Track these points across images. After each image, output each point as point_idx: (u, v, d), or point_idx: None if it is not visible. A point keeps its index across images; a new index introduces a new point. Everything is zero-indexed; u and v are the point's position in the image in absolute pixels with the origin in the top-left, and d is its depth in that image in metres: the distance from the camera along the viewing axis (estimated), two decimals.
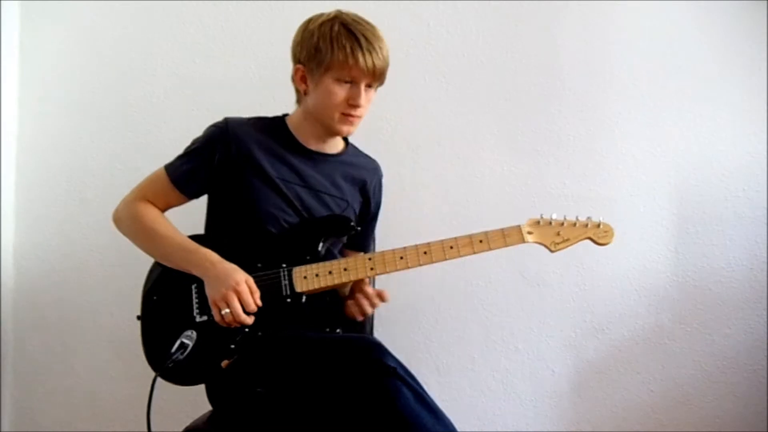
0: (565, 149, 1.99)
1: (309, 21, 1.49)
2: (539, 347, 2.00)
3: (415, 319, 2.01)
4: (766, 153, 1.95)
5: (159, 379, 1.35)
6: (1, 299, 2.05)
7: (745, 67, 1.95)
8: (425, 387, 1.27)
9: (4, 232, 2.05)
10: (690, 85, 1.97)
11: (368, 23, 1.47)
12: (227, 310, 1.35)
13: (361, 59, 1.41)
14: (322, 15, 1.48)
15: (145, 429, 1.32)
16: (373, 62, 1.42)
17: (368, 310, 1.49)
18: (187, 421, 1.50)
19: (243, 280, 1.37)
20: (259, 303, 1.38)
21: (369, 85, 1.48)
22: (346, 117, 1.47)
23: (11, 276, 2.08)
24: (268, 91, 2.00)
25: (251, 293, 1.37)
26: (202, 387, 1.51)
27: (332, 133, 1.53)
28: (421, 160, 2.00)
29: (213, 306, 1.38)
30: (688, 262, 1.97)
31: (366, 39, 1.43)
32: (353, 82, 1.45)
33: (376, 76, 1.46)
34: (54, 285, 2.08)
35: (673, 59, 1.97)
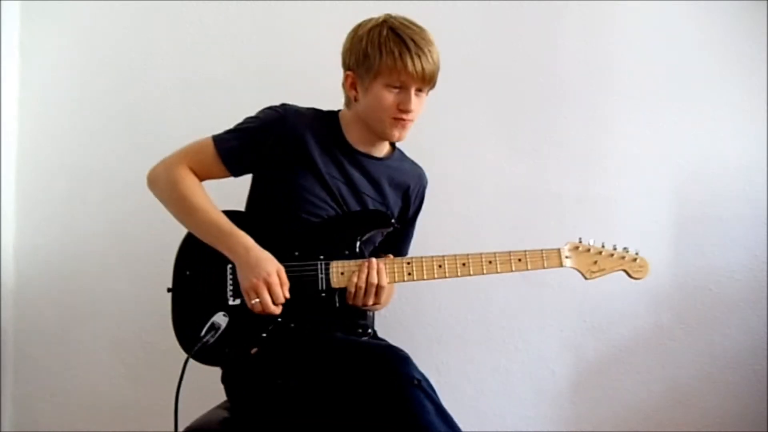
0: (565, 149, 1.99)
1: (358, 27, 1.47)
2: (539, 347, 2.00)
3: (415, 319, 2.01)
4: (766, 153, 1.95)
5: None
6: (2, 299, 2.05)
7: (745, 67, 1.95)
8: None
9: (4, 232, 2.05)
10: (690, 85, 1.97)
11: (417, 26, 1.45)
12: (257, 300, 1.35)
13: (409, 64, 1.39)
14: (371, 20, 1.46)
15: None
16: (422, 66, 1.41)
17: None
18: (188, 421, 1.50)
19: (274, 271, 1.37)
20: (288, 295, 1.38)
21: (419, 90, 1.46)
22: (397, 121, 1.46)
23: (11, 276, 2.08)
24: (268, 91, 1.99)
25: (281, 285, 1.37)
26: (207, 384, 1.51)
27: (383, 138, 1.52)
28: (421, 160, 2.00)
29: (244, 293, 1.38)
30: (688, 262, 1.97)
31: (415, 43, 1.41)
32: (403, 87, 1.43)
33: (426, 81, 1.44)
34: (54, 285, 2.08)
35: (673, 59, 1.97)
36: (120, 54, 2.07)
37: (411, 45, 1.40)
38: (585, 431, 2.00)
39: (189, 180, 1.47)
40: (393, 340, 1.52)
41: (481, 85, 2.00)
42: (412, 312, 2.01)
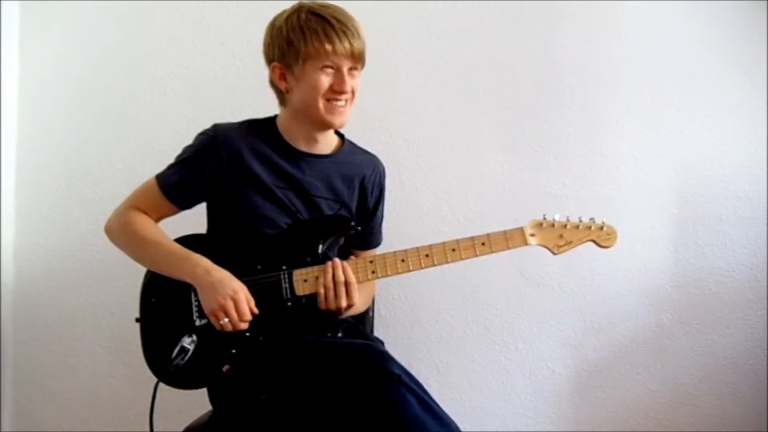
0: (565, 149, 1.99)
1: (274, 19, 1.46)
2: (539, 347, 2.00)
3: (415, 319, 2.01)
4: (766, 153, 1.95)
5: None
6: (1, 299, 2.05)
7: (745, 67, 1.95)
8: (426, 387, 1.27)
9: (4, 232, 2.05)
10: (690, 85, 1.97)
11: (335, 6, 1.43)
12: (226, 320, 1.35)
13: (337, 42, 1.38)
14: (285, 11, 1.44)
15: (145, 429, 1.32)
16: (349, 43, 1.39)
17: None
18: (187, 421, 1.50)
19: (239, 289, 1.36)
20: (256, 311, 1.38)
21: (353, 68, 1.44)
22: (333, 105, 1.44)
23: (11, 276, 2.08)
24: (268, 91, 1.99)
25: (247, 302, 1.36)
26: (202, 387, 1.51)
27: (323, 126, 1.48)
28: (421, 160, 2.00)
29: (210, 315, 1.37)
30: (688, 262, 1.97)
31: (337, 20, 1.39)
32: (336, 68, 1.41)
33: (356, 58, 1.42)
34: (54, 285, 2.08)
35: (673, 59, 1.97)
36: (120, 54, 2.06)
37: (334, 22, 1.39)
38: (585, 431, 2.00)
39: (139, 219, 1.49)
40: (393, 340, 1.52)
41: (481, 85, 2.00)
42: (412, 312, 2.01)
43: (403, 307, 2.00)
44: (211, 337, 1.39)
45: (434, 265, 1.44)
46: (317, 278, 1.41)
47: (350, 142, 1.61)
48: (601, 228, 1.46)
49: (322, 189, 1.52)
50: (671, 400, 1.98)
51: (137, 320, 1.50)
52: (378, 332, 1.80)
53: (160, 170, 1.52)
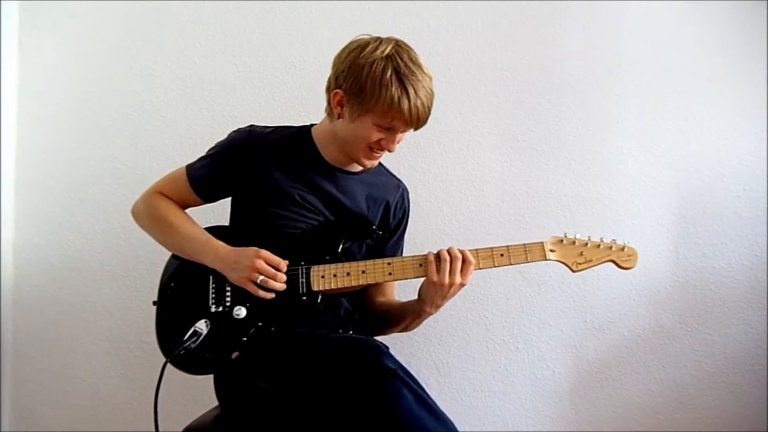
0: (565, 149, 1.99)
1: (361, 49, 1.39)
2: (539, 347, 2.00)
3: None
4: (766, 153, 1.95)
5: (165, 375, 1.35)
6: (1, 299, 2.05)
7: (745, 67, 1.95)
8: (425, 387, 1.27)
9: (4, 232, 2.05)
10: (690, 85, 1.97)
11: (421, 71, 1.39)
12: (262, 277, 1.37)
13: (405, 111, 1.36)
14: (377, 47, 1.38)
15: (145, 429, 1.32)
16: (417, 115, 1.38)
17: (446, 278, 1.39)
18: (188, 421, 1.50)
19: (258, 249, 1.39)
20: (286, 261, 1.40)
21: (405, 130, 1.44)
22: (372, 153, 1.46)
23: (11, 276, 2.08)
24: (269, 92, 2.00)
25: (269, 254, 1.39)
26: (205, 384, 1.51)
27: (355, 162, 1.51)
28: (421, 160, 2.00)
29: (246, 284, 1.38)
30: (688, 262, 1.97)
31: (415, 91, 1.36)
32: (391, 129, 1.41)
33: (415, 127, 1.42)
34: (54, 285, 2.08)
35: (673, 59, 1.97)
36: (119, 54, 2.06)
37: (411, 93, 1.36)
38: (585, 431, 2.00)
39: (164, 203, 1.52)
40: (393, 341, 1.52)
41: (482, 85, 2.00)
42: None
43: None
44: (224, 325, 1.41)
45: None
46: (334, 275, 1.42)
47: (378, 163, 1.61)
48: (622, 249, 1.45)
49: (348, 202, 1.53)
50: (671, 400, 1.98)
51: (154, 303, 1.51)
52: None
53: (191, 161, 1.55)
